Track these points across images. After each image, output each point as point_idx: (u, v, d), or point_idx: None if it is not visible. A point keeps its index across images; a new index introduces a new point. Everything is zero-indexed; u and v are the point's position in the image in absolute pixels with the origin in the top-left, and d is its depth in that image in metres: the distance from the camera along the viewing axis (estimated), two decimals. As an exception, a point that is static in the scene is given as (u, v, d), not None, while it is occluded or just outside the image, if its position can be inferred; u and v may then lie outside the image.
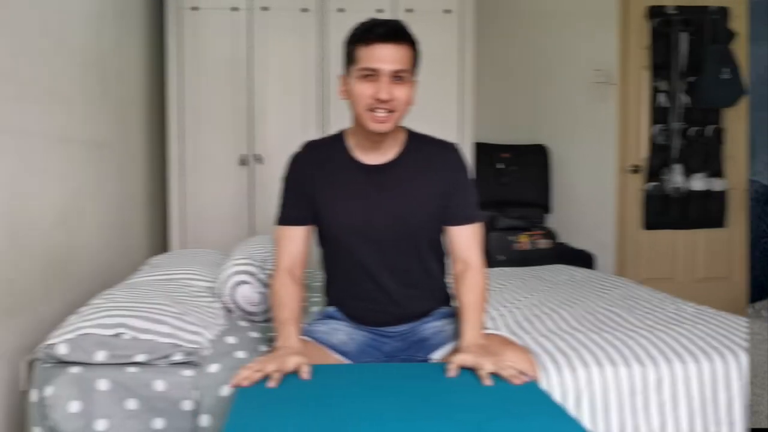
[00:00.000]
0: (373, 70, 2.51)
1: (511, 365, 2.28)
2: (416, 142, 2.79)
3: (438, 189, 2.72)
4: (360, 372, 2.41)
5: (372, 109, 2.54)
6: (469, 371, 2.26)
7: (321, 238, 2.84)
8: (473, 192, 2.81)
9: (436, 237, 2.81)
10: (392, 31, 2.51)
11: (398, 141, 2.75)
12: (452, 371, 2.27)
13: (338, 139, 2.80)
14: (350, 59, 2.59)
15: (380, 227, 2.69)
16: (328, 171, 2.75)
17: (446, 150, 2.81)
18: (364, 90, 2.54)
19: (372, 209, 2.70)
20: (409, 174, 2.72)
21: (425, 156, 2.76)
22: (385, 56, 2.50)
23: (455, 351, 2.46)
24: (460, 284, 2.68)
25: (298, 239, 2.76)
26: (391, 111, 2.55)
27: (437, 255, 2.84)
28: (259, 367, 2.23)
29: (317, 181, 2.74)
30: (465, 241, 2.74)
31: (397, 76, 2.53)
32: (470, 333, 2.49)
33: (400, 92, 2.54)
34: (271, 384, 2.15)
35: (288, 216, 2.78)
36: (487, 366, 2.24)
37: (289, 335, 2.48)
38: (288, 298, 2.64)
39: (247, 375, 2.20)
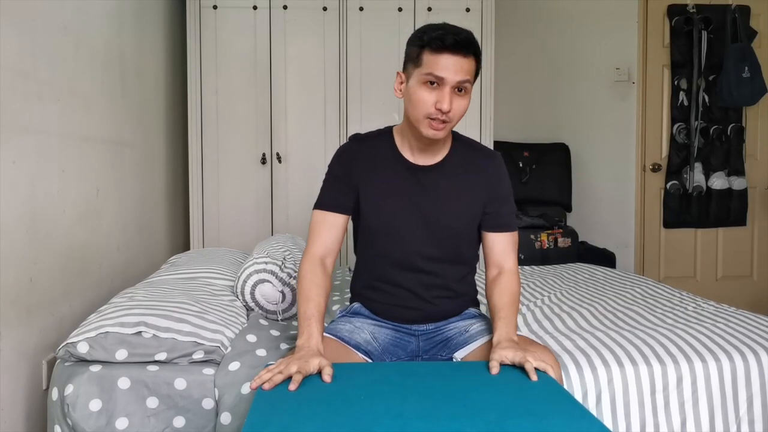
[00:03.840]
0: (439, 78, 2.48)
1: (546, 361, 2.29)
2: (462, 146, 2.79)
3: (479, 195, 2.72)
4: (380, 370, 2.41)
5: (431, 117, 2.52)
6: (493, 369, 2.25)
7: (359, 231, 2.83)
8: (512, 202, 2.81)
9: (471, 241, 2.80)
10: (464, 42, 2.45)
11: (445, 144, 2.74)
12: (495, 368, 2.24)
13: (386, 135, 2.79)
14: (415, 61, 2.54)
15: (420, 226, 2.69)
16: (375, 165, 2.73)
17: (490, 158, 2.80)
18: (426, 97, 2.51)
19: (414, 208, 2.69)
20: (453, 177, 2.72)
21: (470, 162, 2.75)
22: (452, 66, 2.46)
23: (490, 348, 2.43)
24: (493, 287, 2.66)
25: (334, 226, 2.73)
26: (447, 121, 2.53)
27: (471, 259, 2.84)
28: (280, 369, 2.17)
29: (363, 174, 2.72)
30: (501, 247, 2.73)
31: (459, 88, 2.50)
32: (504, 329, 2.46)
33: (459, 104, 2.52)
34: (292, 387, 2.11)
35: (328, 202, 2.74)
36: (531, 361, 2.23)
37: (311, 334, 2.40)
38: (315, 291, 2.56)
39: (269, 377, 2.16)
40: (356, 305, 2.84)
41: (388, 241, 2.72)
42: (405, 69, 2.61)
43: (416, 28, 2.58)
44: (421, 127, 2.55)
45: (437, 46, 2.45)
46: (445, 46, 2.44)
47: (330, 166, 2.79)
